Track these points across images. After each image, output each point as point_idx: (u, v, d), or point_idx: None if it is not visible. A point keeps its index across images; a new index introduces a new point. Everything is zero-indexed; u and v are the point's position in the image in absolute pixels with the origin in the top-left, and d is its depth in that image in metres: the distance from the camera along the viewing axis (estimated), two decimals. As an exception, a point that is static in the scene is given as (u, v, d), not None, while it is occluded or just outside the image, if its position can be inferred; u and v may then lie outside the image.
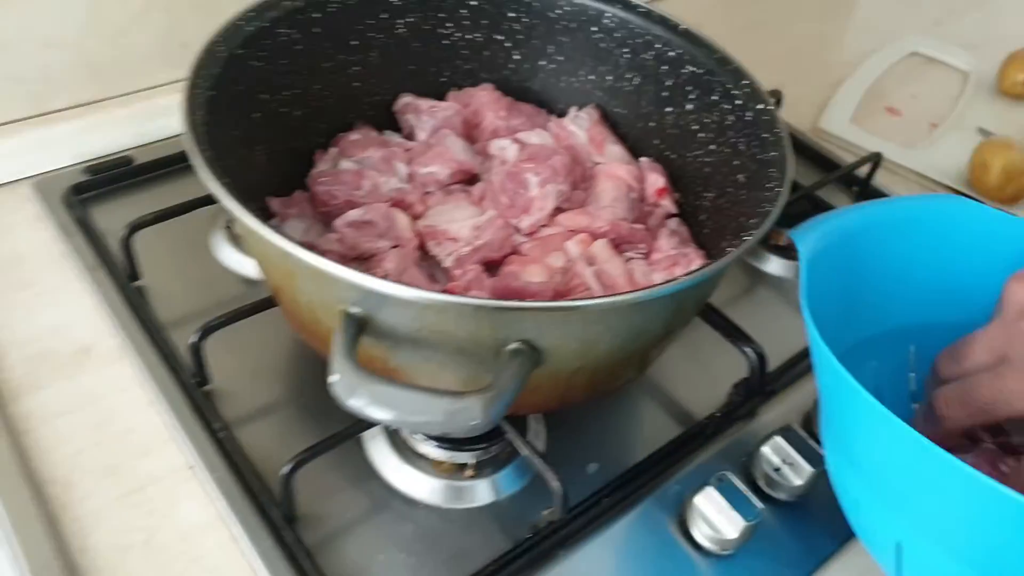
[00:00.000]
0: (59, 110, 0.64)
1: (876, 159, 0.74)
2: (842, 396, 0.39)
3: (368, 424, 0.49)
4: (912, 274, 0.50)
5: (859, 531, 0.44)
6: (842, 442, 0.42)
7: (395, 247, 0.49)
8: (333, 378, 0.36)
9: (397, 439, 0.50)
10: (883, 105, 0.89)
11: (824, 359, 0.39)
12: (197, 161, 0.39)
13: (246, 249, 0.46)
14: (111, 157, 0.65)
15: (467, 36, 0.59)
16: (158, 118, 0.67)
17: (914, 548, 0.39)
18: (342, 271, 0.36)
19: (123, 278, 0.56)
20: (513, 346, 0.38)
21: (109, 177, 0.63)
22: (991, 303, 0.46)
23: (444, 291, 0.48)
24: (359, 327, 0.39)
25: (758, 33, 0.96)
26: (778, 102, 0.76)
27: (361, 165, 0.52)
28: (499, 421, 0.37)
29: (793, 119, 0.81)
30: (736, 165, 0.52)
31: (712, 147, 0.54)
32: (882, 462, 0.39)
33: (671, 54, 0.55)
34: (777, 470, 0.50)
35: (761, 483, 0.51)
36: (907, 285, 0.50)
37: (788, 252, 0.67)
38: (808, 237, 0.45)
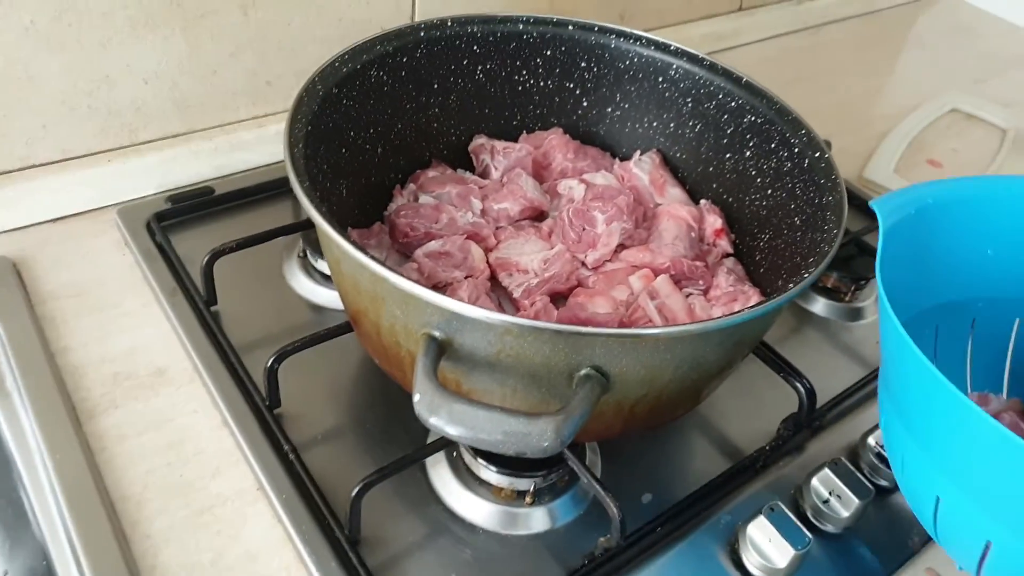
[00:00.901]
0: (147, 141, 0.68)
1: (922, 209, 0.76)
2: (900, 356, 0.41)
3: (432, 449, 0.50)
4: (982, 250, 0.52)
5: (903, 487, 0.46)
6: (897, 401, 0.44)
7: (468, 277, 0.51)
8: (416, 397, 0.38)
9: (459, 465, 0.52)
10: (924, 158, 0.91)
11: (888, 321, 0.41)
12: (298, 191, 0.42)
13: (334, 274, 0.48)
14: (193, 187, 0.68)
15: (540, 83, 0.62)
16: (239, 151, 0.70)
17: (951, 501, 0.41)
18: (433, 296, 0.38)
19: (200, 303, 0.59)
20: (584, 371, 0.40)
21: (190, 206, 0.66)
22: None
23: (515, 319, 0.50)
24: (440, 350, 0.41)
25: (806, 87, 0.99)
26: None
27: (439, 200, 0.55)
28: (569, 442, 0.38)
29: (840, 169, 0.84)
30: (792, 208, 0.54)
31: (769, 191, 0.56)
32: (930, 419, 0.41)
33: (732, 104, 0.58)
34: (826, 502, 0.51)
35: (810, 515, 0.51)
36: (976, 260, 0.52)
37: (834, 294, 0.69)
38: (887, 206, 0.47)
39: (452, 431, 0.37)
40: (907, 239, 0.47)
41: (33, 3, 0.57)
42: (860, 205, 0.79)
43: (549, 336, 0.39)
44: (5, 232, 0.63)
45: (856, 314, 0.68)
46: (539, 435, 0.37)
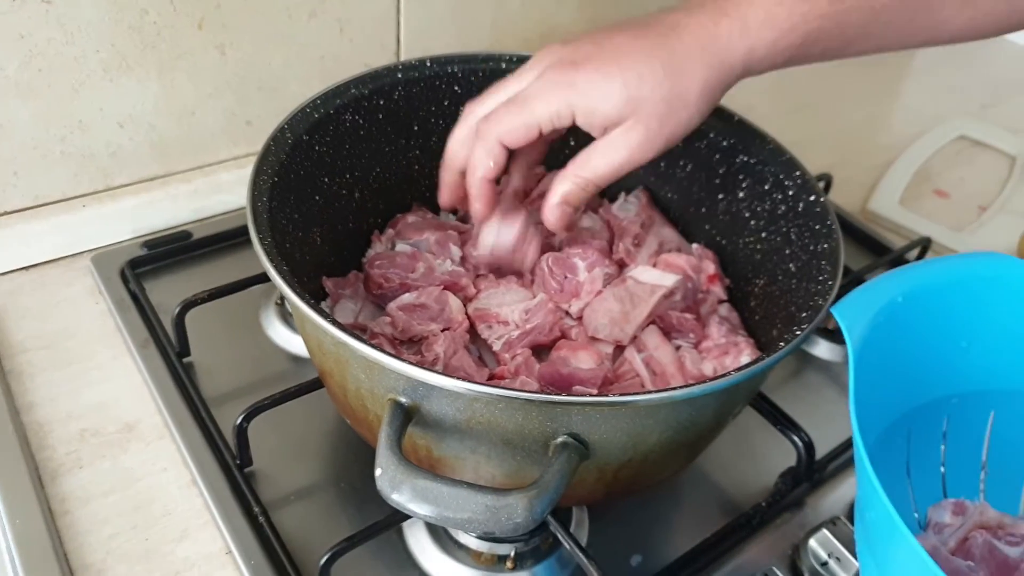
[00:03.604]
0: (123, 185, 0.66)
1: (926, 243, 0.73)
2: (862, 484, 0.38)
3: (405, 515, 0.48)
4: (956, 342, 0.48)
5: None
6: (870, 542, 0.41)
7: (445, 330, 0.48)
8: (377, 471, 0.36)
9: (438, 529, 0.49)
10: (931, 188, 0.88)
11: (857, 448, 0.38)
12: (258, 250, 0.40)
13: (300, 332, 0.46)
14: (170, 231, 0.66)
15: (522, 121, 0.59)
16: (218, 193, 0.68)
17: None
18: (395, 363, 0.36)
19: (172, 355, 0.56)
20: (560, 439, 0.38)
21: (166, 251, 0.64)
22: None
23: (493, 376, 0.48)
24: (407, 417, 0.38)
25: (807, 115, 0.96)
26: (828, 185, 0.76)
27: (416, 247, 0.53)
28: (543, 519, 0.36)
29: (842, 201, 0.81)
30: (787, 254, 0.51)
31: (763, 235, 0.54)
32: (888, 553, 0.38)
33: (724, 143, 0.55)
34: (824, 564, 0.49)
35: (807, 577, 0.49)
36: (949, 354, 0.48)
37: (838, 336, 0.66)
38: (852, 312, 0.43)
39: (415, 508, 0.35)
40: (878, 348, 0.43)
41: (0, 50, 0.56)
42: (864, 240, 0.77)
43: (521, 404, 0.37)
44: (-23, 282, 0.61)
45: (860, 357, 0.65)
46: (509, 512, 0.35)
